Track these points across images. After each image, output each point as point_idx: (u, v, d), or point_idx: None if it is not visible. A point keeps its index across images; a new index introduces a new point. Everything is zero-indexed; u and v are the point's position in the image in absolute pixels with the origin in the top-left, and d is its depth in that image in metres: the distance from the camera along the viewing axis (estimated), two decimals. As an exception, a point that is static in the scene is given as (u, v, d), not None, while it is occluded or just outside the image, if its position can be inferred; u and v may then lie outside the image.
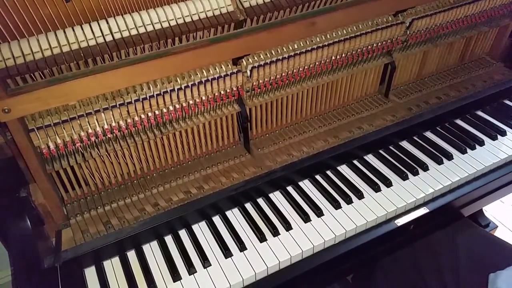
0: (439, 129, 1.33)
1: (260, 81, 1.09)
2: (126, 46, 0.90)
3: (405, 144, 1.29)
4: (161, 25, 0.92)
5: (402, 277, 1.18)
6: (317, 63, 1.14)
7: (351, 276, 1.43)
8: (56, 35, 0.86)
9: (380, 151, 1.26)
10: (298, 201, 1.11)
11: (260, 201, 1.12)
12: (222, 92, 1.06)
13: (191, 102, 1.03)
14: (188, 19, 0.95)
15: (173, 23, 0.93)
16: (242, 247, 1.00)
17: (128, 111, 0.96)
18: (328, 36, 1.12)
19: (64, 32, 0.86)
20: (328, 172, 1.20)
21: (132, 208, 1.06)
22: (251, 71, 1.06)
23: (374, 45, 1.21)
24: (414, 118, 1.30)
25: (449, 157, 1.22)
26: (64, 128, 0.92)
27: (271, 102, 1.19)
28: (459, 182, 1.16)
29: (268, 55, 1.07)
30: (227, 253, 0.99)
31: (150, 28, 0.92)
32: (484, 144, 1.27)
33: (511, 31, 1.53)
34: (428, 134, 1.32)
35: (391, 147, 1.27)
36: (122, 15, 0.90)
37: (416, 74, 1.46)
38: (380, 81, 1.39)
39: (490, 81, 1.47)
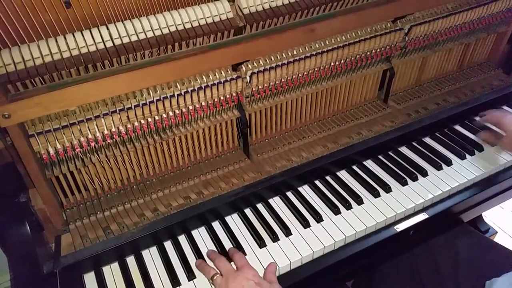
0: (438, 135, 1.34)
1: (260, 87, 1.09)
2: (126, 52, 0.90)
3: (404, 150, 1.29)
4: (161, 31, 0.93)
5: (401, 282, 1.18)
6: (316, 69, 1.14)
7: (351, 282, 1.43)
8: (56, 41, 0.86)
9: (380, 157, 1.26)
10: (298, 206, 1.11)
11: (260, 206, 1.12)
12: (222, 98, 1.06)
13: (190, 107, 1.04)
14: (188, 26, 0.95)
15: (173, 29, 0.94)
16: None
17: (128, 116, 0.97)
18: (327, 43, 1.13)
19: (65, 38, 0.86)
20: (328, 178, 1.20)
21: (132, 213, 1.06)
22: (250, 77, 1.06)
23: (373, 51, 1.21)
24: (413, 124, 1.31)
25: (448, 163, 1.22)
26: (64, 133, 0.92)
27: (270, 108, 1.19)
28: (458, 188, 1.17)
29: (268, 61, 1.08)
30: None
31: (150, 34, 0.92)
32: (483, 150, 1.27)
33: (509, 37, 1.54)
34: (427, 140, 1.32)
35: (390, 153, 1.27)
36: (122, 21, 0.90)
37: (415, 80, 1.47)
38: (379, 87, 1.40)
39: (488, 87, 1.48)
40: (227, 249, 1.01)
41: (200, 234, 1.06)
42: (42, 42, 0.85)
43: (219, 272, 0.92)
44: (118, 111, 0.95)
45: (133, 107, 0.96)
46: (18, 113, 0.83)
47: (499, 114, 1.21)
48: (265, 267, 0.97)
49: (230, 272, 0.90)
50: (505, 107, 1.46)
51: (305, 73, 1.13)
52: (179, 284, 0.95)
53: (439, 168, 1.21)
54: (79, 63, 0.87)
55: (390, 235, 1.07)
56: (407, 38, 1.25)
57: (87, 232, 1.02)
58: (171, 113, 1.02)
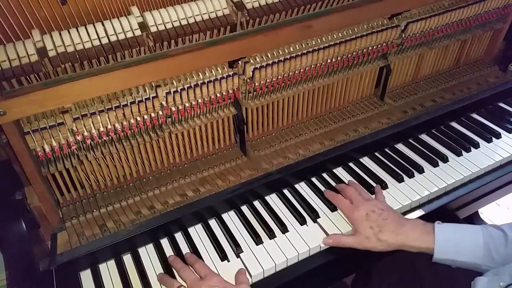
0: (434, 131, 1.34)
1: (256, 84, 1.09)
2: (122, 48, 0.90)
3: (400, 146, 1.29)
4: (157, 28, 0.92)
5: (398, 279, 1.18)
6: (313, 66, 1.14)
7: (348, 278, 1.43)
8: (52, 38, 0.85)
9: (376, 154, 1.26)
10: (294, 203, 1.11)
11: (257, 203, 1.12)
12: (218, 95, 1.06)
13: (187, 104, 1.03)
14: (184, 22, 0.95)
15: (169, 26, 0.93)
16: (238, 250, 1.00)
17: (124, 113, 0.96)
18: (324, 39, 1.13)
19: (60, 34, 0.86)
20: (324, 175, 1.20)
21: (128, 211, 1.06)
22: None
23: (370, 48, 1.21)
24: (409, 121, 1.31)
25: (445, 159, 1.23)
26: (59, 130, 0.92)
27: (267, 105, 1.19)
28: (454, 185, 1.17)
29: (264, 58, 1.07)
30: (223, 256, 0.99)
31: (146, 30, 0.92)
32: (479, 147, 1.27)
33: (505, 34, 1.54)
34: (424, 137, 1.33)
35: (387, 150, 1.27)
36: (118, 18, 0.90)
37: (411, 77, 1.47)
38: (376, 84, 1.40)
39: (485, 84, 1.48)
40: (224, 246, 1.01)
41: (197, 231, 1.06)
42: (38, 38, 0.85)
43: (182, 284, 0.92)
44: (114, 108, 0.95)
45: (129, 104, 0.96)
46: (13, 110, 0.82)
47: (349, 208, 1.04)
48: (262, 265, 0.97)
49: (194, 282, 0.90)
50: (502, 104, 1.46)
51: (301, 70, 1.13)
52: (176, 281, 0.95)
53: (435, 165, 1.21)
54: (75, 59, 0.87)
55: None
56: (403, 35, 1.25)
57: (83, 230, 1.02)
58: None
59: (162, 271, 0.97)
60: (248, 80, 1.07)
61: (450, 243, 0.94)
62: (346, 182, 1.17)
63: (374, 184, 1.15)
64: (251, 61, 1.06)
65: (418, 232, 0.96)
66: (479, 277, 0.89)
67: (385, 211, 1.01)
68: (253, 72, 1.06)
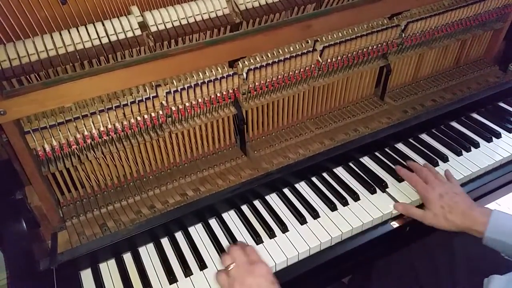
0: (434, 131, 1.34)
1: (256, 84, 1.09)
2: (122, 48, 0.90)
3: (400, 146, 1.29)
4: (157, 27, 0.93)
5: (398, 279, 1.18)
6: (312, 66, 1.14)
7: (347, 279, 1.43)
8: (52, 38, 0.86)
9: (376, 153, 1.26)
10: (294, 203, 1.11)
11: (257, 203, 1.13)
12: (218, 94, 1.06)
13: (187, 104, 1.03)
14: (184, 22, 0.95)
15: (169, 25, 0.94)
16: (238, 249, 1.00)
17: (124, 113, 0.96)
18: (324, 39, 1.13)
19: (60, 34, 0.86)
20: (324, 174, 1.20)
21: (128, 210, 1.06)
22: (247, 73, 1.06)
23: (370, 48, 1.21)
24: (409, 121, 1.31)
25: (445, 159, 1.23)
26: (60, 130, 0.92)
27: (267, 105, 1.19)
28: (454, 184, 1.17)
29: (264, 57, 1.07)
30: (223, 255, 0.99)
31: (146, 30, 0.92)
32: (479, 147, 1.27)
33: (505, 34, 1.54)
34: (424, 137, 1.33)
35: (386, 149, 1.27)
36: (118, 18, 0.90)
37: (411, 76, 1.47)
38: (376, 84, 1.40)
39: (485, 83, 1.48)
40: (224, 246, 1.01)
41: (197, 231, 1.06)
42: (38, 38, 0.85)
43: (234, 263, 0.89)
44: (114, 108, 0.95)
45: (129, 103, 0.96)
46: (14, 109, 0.83)
47: (424, 187, 1.09)
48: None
49: (244, 265, 0.87)
50: (502, 104, 1.46)
51: (301, 70, 1.13)
52: (176, 280, 0.95)
53: (435, 164, 1.21)
54: (75, 59, 0.87)
55: (386, 232, 1.07)
56: (403, 35, 1.25)
57: (83, 229, 1.02)
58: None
59: (162, 270, 0.97)
60: (242, 82, 1.08)
61: (506, 223, 0.97)
62: (346, 181, 1.17)
63: (374, 184, 1.15)
64: (246, 62, 1.06)
65: (486, 218, 0.98)
66: (496, 275, 0.88)
67: (458, 194, 1.05)
68: (247, 73, 1.06)
